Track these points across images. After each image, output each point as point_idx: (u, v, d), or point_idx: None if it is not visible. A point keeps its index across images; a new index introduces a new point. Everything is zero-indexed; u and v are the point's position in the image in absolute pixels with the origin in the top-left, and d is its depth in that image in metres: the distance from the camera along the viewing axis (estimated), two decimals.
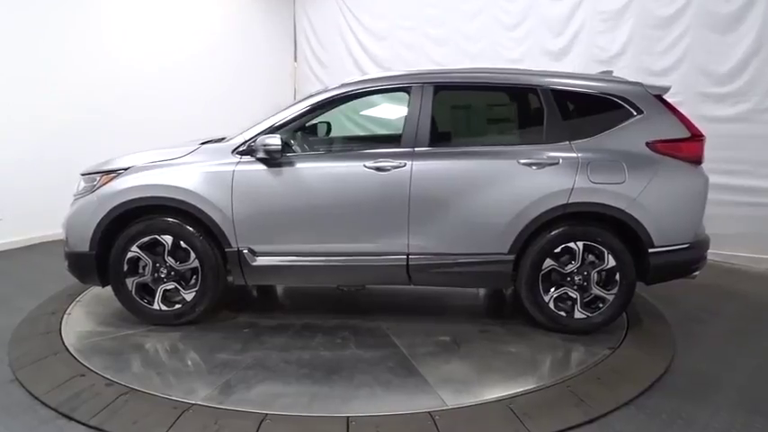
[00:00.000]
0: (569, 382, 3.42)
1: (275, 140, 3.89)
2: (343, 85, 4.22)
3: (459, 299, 4.82)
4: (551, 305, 4.05)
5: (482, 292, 4.96)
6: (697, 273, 4.17)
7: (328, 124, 5.35)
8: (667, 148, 3.98)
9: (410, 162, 3.97)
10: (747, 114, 5.89)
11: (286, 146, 4.13)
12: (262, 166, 4.00)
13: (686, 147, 4.01)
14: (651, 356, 3.83)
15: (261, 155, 3.97)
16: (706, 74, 6.10)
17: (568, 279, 4.02)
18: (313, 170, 4.03)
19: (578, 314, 4.04)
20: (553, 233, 3.97)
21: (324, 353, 3.76)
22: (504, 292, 4.90)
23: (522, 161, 3.94)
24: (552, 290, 4.05)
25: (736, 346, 4.11)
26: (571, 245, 3.98)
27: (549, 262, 4.00)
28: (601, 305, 4.05)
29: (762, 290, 5.44)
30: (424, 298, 4.84)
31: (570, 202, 3.91)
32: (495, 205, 3.95)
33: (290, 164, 4.02)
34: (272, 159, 3.98)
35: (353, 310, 4.52)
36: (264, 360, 3.64)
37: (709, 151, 4.12)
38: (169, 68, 8.08)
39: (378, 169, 3.97)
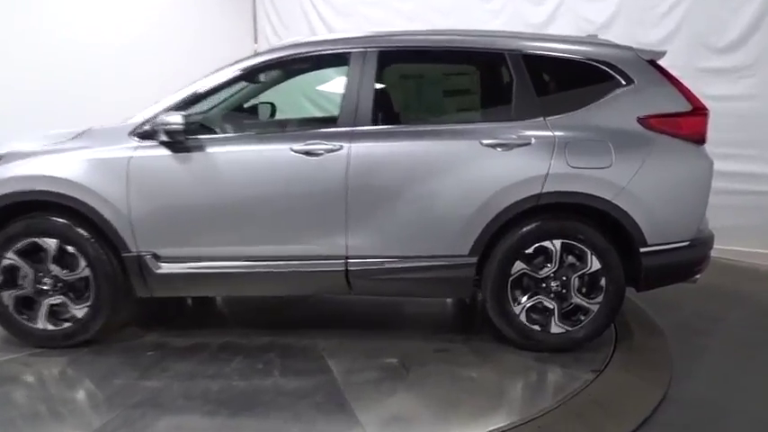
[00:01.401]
0: (542, 420, 2.71)
1: (176, 118, 3.13)
2: (269, 51, 3.47)
3: (417, 310, 4.07)
4: (522, 317, 3.32)
5: (447, 301, 4.21)
6: (699, 276, 3.46)
7: (272, 105, 4.58)
8: (663, 125, 3.25)
9: (348, 144, 3.22)
10: (752, 91, 5.16)
11: (202, 127, 3.38)
12: (165, 152, 3.25)
13: (686, 122, 3.27)
14: (644, 381, 3.12)
15: (163, 137, 3.20)
16: (706, 45, 5.37)
17: (543, 286, 3.30)
18: (228, 155, 3.28)
19: (555, 328, 3.31)
20: (524, 230, 3.24)
21: (238, 382, 3.02)
22: (470, 302, 4.17)
23: (486, 142, 3.20)
24: (524, 299, 3.32)
25: (744, 363, 3.41)
26: (546, 244, 3.25)
27: (519, 265, 3.27)
28: (582, 317, 3.33)
29: (766, 291, 4.74)
30: (375, 309, 4.10)
31: (545, 191, 3.18)
32: (452, 196, 3.21)
33: (201, 148, 3.26)
34: (177, 143, 3.22)
35: (289, 325, 3.77)
36: (160, 394, 2.89)
37: (708, 133, 3.38)
38: (119, 48, 7.29)
39: (308, 153, 3.22)
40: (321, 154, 3.21)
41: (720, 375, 3.25)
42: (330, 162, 3.21)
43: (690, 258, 3.34)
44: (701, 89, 3.47)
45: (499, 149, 3.20)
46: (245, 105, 4.24)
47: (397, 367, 3.19)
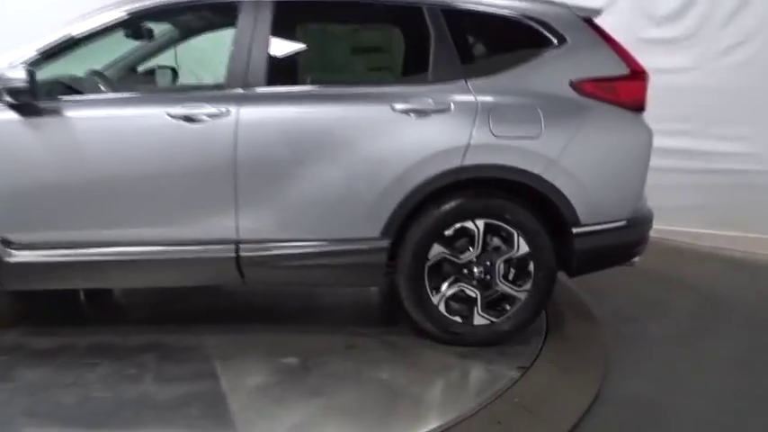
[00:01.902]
0: (460, 428, 2.31)
1: (19, 74, 2.56)
2: None
3: (327, 301, 3.61)
4: (442, 308, 2.91)
5: (362, 291, 3.75)
6: (637, 259, 3.12)
7: (173, 70, 4.01)
8: (599, 90, 2.88)
9: (236, 108, 2.72)
10: (696, 62, 4.88)
11: (67, 88, 2.84)
12: (12, 115, 2.68)
13: (624, 87, 2.91)
14: (575, 378, 2.77)
15: (6, 97, 2.64)
16: (647, 15, 5.06)
17: (465, 272, 2.89)
18: (90, 122, 2.74)
19: (479, 319, 2.92)
20: (443, 209, 2.82)
21: (100, 393, 2.51)
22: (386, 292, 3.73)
23: (399, 107, 2.76)
24: (443, 287, 2.91)
25: (686, 355, 3.11)
26: (468, 225, 2.84)
27: (437, 249, 2.86)
28: (509, 306, 2.94)
29: (712, 274, 4.50)
30: (279, 300, 3.63)
31: (465, 164, 2.77)
32: (359, 170, 2.77)
33: (57, 112, 2.71)
34: (26, 105, 2.66)
35: (178, 321, 3.27)
36: None
37: (649, 108, 3.02)
38: None
39: (187, 119, 2.71)
40: (203, 120, 2.71)
41: (660, 369, 2.93)
42: (215, 129, 2.71)
43: (627, 239, 3.00)
44: (643, 61, 3.11)
45: (413, 116, 2.76)
46: (139, 67, 3.71)
47: (296, 368, 2.74)
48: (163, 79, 3.86)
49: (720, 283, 4.33)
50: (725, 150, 4.88)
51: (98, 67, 3.38)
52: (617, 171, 2.92)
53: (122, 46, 3.56)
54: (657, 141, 3.04)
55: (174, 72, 4.01)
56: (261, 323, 3.20)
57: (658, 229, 4.94)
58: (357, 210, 2.80)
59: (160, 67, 3.89)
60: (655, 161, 3.21)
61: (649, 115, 3.01)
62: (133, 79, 3.46)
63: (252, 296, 3.61)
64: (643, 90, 2.94)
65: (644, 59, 3.00)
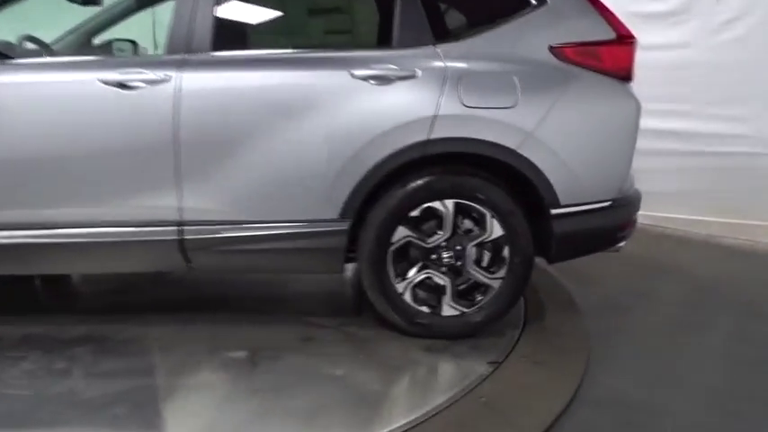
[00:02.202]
0: (421, 429, 2.05)
1: None
2: None
3: (285, 288, 3.34)
4: (407, 297, 2.65)
5: (325, 278, 3.47)
6: (622, 244, 2.86)
7: (133, 43, 3.71)
8: (582, 56, 2.60)
9: (177, 74, 2.44)
10: (690, 38, 4.60)
11: None
12: None
13: (610, 53, 2.63)
14: (552, 375, 2.50)
15: None
16: None
17: (433, 257, 2.63)
18: (12, 87, 2.45)
19: (448, 309, 2.66)
20: (408, 188, 2.55)
21: (19, 390, 2.25)
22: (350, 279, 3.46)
23: (359, 73, 2.48)
24: (409, 273, 2.65)
25: (675, 351, 2.85)
26: (436, 205, 2.58)
27: (403, 232, 2.59)
28: (481, 296, 2.68)
29: (702, 262, 4.25)
30: (234, 286, 3.36)
31: (433, 137, 2.49)
32: (316, 144, 2.49)
33: None
34: None
35: (118, 310, 3.00)
36: None
37: (639, 87, 2.74)
38: None
39: (122, 85, 2.43)
40: (140, 86, 2.42)
41: (646, 365, 2.68)
42: (153, 97, 2.43)
43: (612, 222, 2.73)
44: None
45: (375, 83, 2.49)
46: (95, 39, 3.41)
47: (243, 362, 2.48)
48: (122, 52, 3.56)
49: (715, 271, 4.08)
50: (721, 132, 4.61)
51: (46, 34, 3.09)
52: (601, 146, 2.65)
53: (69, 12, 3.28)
54: (649, 122, 2.81)
55: (135, 46, 3.72)
56: (209, 313, 2.93)
57: (649, 215, 4.75)
58: (313, 188, 2.53)
59: (118, 41, 3.60)
60: (645, 143, 2.98)
61: (641, 94, 2.73)
62: (74, 46, 3.16)
63: (200, 284, 3.34)
64: (630, 56, 2.67)
65: (638, 35, 2.72)
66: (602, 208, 2.68)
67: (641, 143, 2.76)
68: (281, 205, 2.55)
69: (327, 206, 2.54)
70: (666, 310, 3.35)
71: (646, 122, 3.11)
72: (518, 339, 2.72)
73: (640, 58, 2.76)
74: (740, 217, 4.60)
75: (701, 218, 4.76)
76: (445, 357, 2.57)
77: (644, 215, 4.61)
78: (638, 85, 2.71)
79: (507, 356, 2.56)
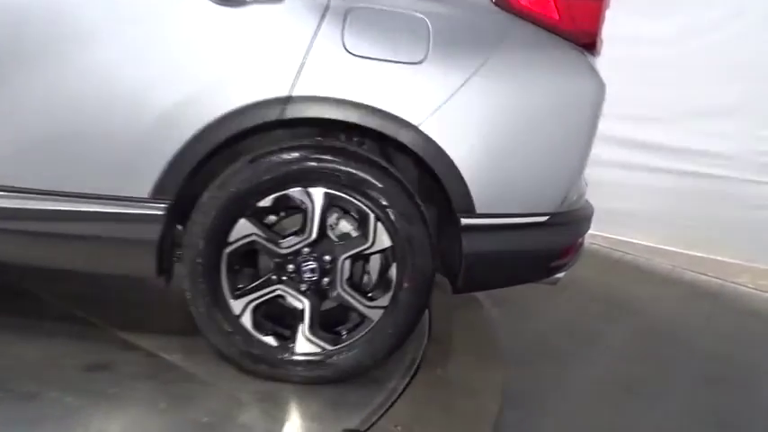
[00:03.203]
0: None
1: None
2: None
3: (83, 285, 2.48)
4: (246, 320, 1.84)
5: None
6: (560, 276, 2.09)
7: None
8: (533, 4, 1.80)
9: None
10: (674, 33, 3.86)
11: None
12: None
13: (571, 6, 1.84)
14: None
15: None
16: None
17: (290, 269, 1.81)
18: None
19: (304, 344, 1.87)
20: (256, 164, 1.73)
21: None
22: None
23: None
24: (252, 290, 1.82)
25: (612, 419, 2.08)
26: (297, 194, 1.76)
27: (245, 228, 1.78)
28: (350, 329, 1.88)
29: (662, 300, 3.54)
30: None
31: (296, 94, 1.67)
32: (114, 84, 1.65)
33: None
34: None
35: None
36: None
37: (613, 86, 1.97)
38: None
39: None
40: None
41: None
42: None
43: (547, 245, 1.96)
44: (612, 27, 2.02)
45: (217, 4, 1.65)
46: None
47: None
48: None
49: (675, 313, 3.38)
50: (701, 148, 3.90)
51: None
52: (543, 136, 1.87)
53: None
54: (616, 127, 2.09)
55: None
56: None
57: (608, 237, 4.04)
58: (111, 150, 1.70)
59: None
60: (609, 152, 2.24)
61: (607, 93, 1.96)
62: None
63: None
64: (597, 15, 1.90)
65: (614, 25, 1.97)
66: (535, 224, 1.91)
67: (604, 151, 2.03)
68: (58, 169, 1.71)
69: (131, 179, 1.72)
70: (611, 363, 2.61)
71: (612, 127, 2.37)
72: (399, 395, 1.93)
73: (612, 49, 2.01)
74: (711, 251, 3.90)
75: (666, 247, 4.05)
76: (283, 415, 1.76)
77: (601, 236, 3.89)
78: (606, 80, 1.94)
79: (374, 424, 1.76)
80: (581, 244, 2.10)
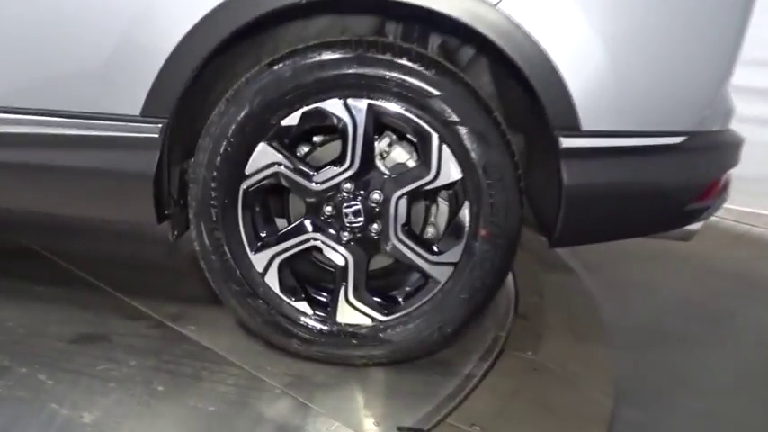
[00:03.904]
0: None
1: None
2: None
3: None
4: (271, 280, 1.39)
5: None
6: (696, 227, 1.53)
7: None
8: None
9: None
10: None
11: None
12: None
13: None
14: None
15: None
16: None
17: (327, 212, 1.35)
18: None
19: (349, 312, 1.40)
20: (278, 68, 1.27)
21: None
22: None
23: None
24: (280, 238, 1.37)
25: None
26: (332, 107, 1.29)
27: (266, 155, 1.33)
28: (409, 295, 1.40)
29: None
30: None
31: None
32: None
33: None
34: None
35: None
36: None
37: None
38: None
39: None
40: None
41: None
42: None
43: (683, 178, 1.39)
44: None
45: None
46: None
47: None
48: None
49: None
50: None
51: None
52: (677, 17, 1.30)
53: None
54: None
55: None
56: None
57: (729, 208, 3.35)
58: (88, 57, 1.29)
59: None
60: (742, 104, 1.66)
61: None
62: None
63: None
64: None
65: None
66: (666, 147, 1.35)
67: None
68: (26, 84, 1.32)
69: (117, 93, 1.31)
70: (750, 349, 2.00)
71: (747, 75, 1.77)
72: (477, 384, 1.42)
73: None
74: None
75: None
76: (317, 406, 1.30)
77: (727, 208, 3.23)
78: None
79: (441, 421, 1.27)
80: (727, 183, 1.51)
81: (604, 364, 1.65)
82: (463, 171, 1.31)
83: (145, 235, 1.92)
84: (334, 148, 1.41)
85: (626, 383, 1.60)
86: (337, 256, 1.39)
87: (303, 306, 1.42)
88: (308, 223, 1.39)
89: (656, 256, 2.29)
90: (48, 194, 1.44)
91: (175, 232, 1.50)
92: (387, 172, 1.36)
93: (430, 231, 1.45)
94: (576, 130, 1.28)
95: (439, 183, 1.33)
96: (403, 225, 1.36)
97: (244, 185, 1.36)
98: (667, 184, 1.37)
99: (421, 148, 1.33)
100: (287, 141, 1.36)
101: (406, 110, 1.30)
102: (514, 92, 1.46)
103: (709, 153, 1.41)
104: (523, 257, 1.49)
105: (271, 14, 1.25)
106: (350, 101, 1.30)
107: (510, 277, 1.97)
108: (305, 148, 1.46)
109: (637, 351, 1.85)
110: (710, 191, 1.43)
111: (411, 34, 1.42)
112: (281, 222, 1.48)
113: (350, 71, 1.28)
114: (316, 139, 1.46)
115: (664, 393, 1.61)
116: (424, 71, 1.27)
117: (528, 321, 1.80)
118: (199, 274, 1.45)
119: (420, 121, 1.30)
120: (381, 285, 1.47)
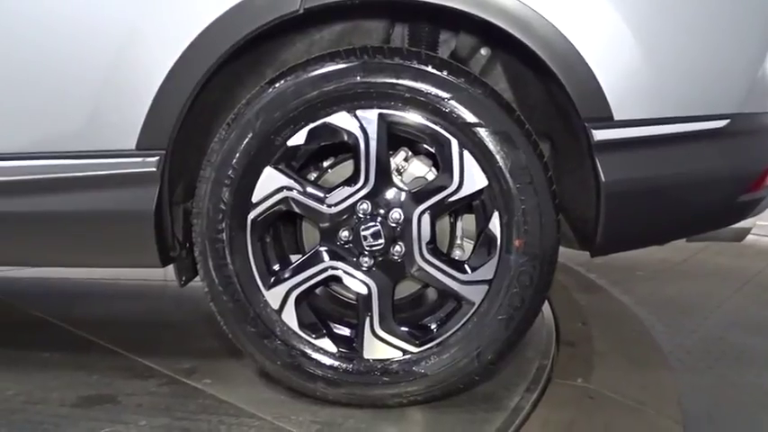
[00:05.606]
0: None
1: None
2: None
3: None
4: (290, 316, 1.25)
5: None
6: (751, 224, 1.38)
7: None
8: None
9: None
10: None
11: None
12: None
13: None
14: None
15: None
16: None
17: (343, 236, 1.22)
18: None
19: (376, 346, 1.25)
20: (280, 85, 1.18)
21: None
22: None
23: None
24: (295, 270, 1.25)
25: None
26: (338, 121, 1.19)
27: (272, 178, 1.22)
28: (447, 318, 1.26)
29: None
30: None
31: None
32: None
33: None
34: None
35: None
36: None
37: None
38: None
39: None
40: None
41: None
42: None
43: (731, 165, 1.26)
44: None
45: None
46: None
47: None
48: None
49: None
50: None
51: None
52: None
53: None
54: None
55: None
56: None
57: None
58: (76, 89, 1.21)
59: None
60: None
61: None
62: None
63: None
64: None
65: None
66: (710, 132, 1.22)
67: None
68: (10, 123, 1.24)
69: (110, 125, 1.22)
70: None
71: None
72: (527, 417, 1.26)
73: None
74: None
75: None
76: None
77: (759, 224, 3.07)
78: None
79: None
80: None
81: (668, 388, 1.48)
82: (488, 177, 1.19)
83: (153, 292, 1.81)
84: (345, 169, 1.30)
85: (697, 407, 1.42)
86: (359, 284, 1.26)
87: (326, 344, 1.28)
88: (323, 251, 1.26)
89: (687, 271, 2.12)
90: (39, 245, 1.34)
91: (183, 278, 1.39)
92: (405, 187, 1.24)
93: (457, 250, 1.33)
94: (608, 121, 1.17)
95: (463, 193, 1.21)
96: (428, 243, 1.24)
97: (252, 215, 1.25)
98: (714, 174, 1.24)
99: (440, 157, 1.22)
100: (294, 164, 1.25)
101: (421, 116, 1.19)
102: (534, 96, 1.36)
103: (758, 137, 1.28)
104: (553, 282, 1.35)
105: (265, 31, 1.17)
106: (359, 112, 1.20)
107: (546, 303, 1.82)
108: (314, 174, 1.36)
109: (708, 372, 1.67)
110: (763, 179, 1.29)
111: (419, 41, 1.33)
112: (295, 259, 1.35)
113: (356, 80, 1.19)
114: (325, 163, 1.36)
115: (743, 415, 1.42)
116: (435, 73, 1.17)
117: (575, 348, 1.64)
118: (212, 326, 1.32)
119: (436, 127, 1.19)
120: (410, 314, 1.33)
